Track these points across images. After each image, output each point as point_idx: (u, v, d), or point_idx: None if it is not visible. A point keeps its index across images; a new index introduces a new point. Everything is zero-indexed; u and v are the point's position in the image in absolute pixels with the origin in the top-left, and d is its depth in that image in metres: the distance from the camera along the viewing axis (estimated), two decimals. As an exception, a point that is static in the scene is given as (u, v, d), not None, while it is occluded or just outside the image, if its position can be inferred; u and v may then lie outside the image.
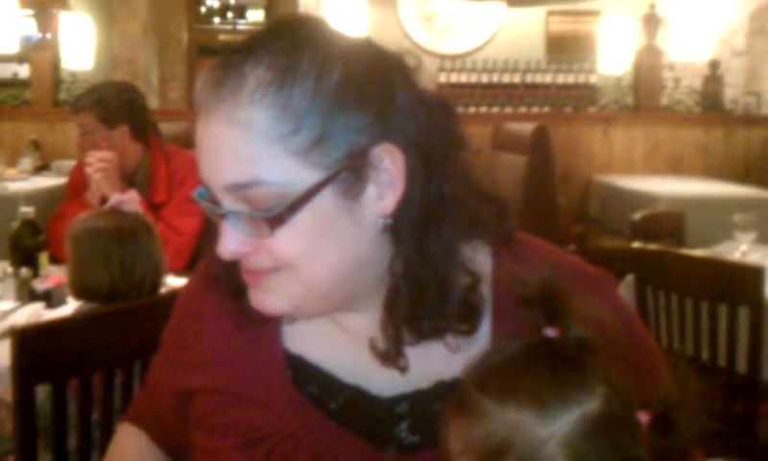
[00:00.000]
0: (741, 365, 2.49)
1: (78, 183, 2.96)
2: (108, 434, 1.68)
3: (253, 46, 0.86)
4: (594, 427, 0.76)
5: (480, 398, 0.79)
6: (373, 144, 0.85)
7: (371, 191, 0.87)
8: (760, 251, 3.12)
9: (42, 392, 1.70)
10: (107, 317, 1.76)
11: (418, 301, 0.90)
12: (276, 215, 0.84)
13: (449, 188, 0.90)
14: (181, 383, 1.06)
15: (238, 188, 0.84)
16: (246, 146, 0.83)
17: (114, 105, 2.91)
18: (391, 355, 0.93)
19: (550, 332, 0.81)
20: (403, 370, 0.94)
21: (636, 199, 4.66)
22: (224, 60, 0.86)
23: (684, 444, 0.80)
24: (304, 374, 0.99)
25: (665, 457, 0.79)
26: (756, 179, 5.49)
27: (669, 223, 3.65)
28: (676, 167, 5.80)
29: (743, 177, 5.62)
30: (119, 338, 1.74)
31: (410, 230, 0.89)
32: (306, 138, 0.83)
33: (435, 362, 0.95)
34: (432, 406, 0.93)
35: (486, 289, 0.98)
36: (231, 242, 0.87)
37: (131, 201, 2.08)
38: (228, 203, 0.86)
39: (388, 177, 0.87)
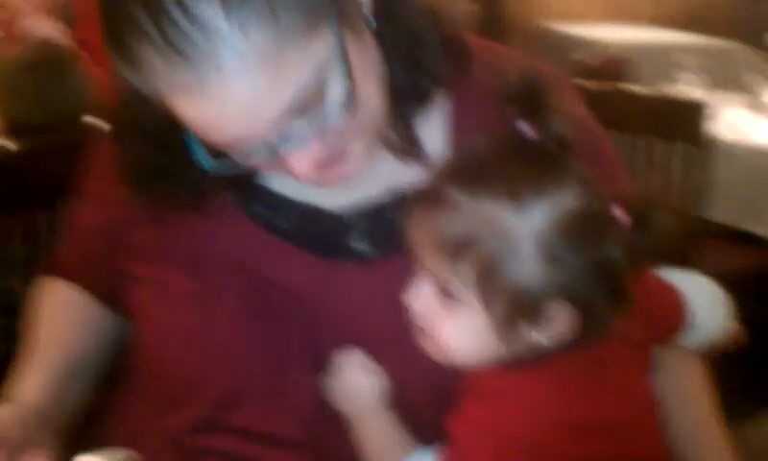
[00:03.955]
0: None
1: None
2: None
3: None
4: (569, 225, 0.74)
5: (451, 189, 0.76)
6: None
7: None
8: (706, 95, 3.13)
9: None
10: (41, 153, 1.66)
11: (413, 71, 0.89)
12: (347, 93, 0.77)
13: None
14: (119, 216, 1.00)
15: (290, 111, 0.75)
16: (272, 70, 0.72)
17: None
18: (409, 147, 0.92)
19: (526, 127, 0.78)
20: (424, 160, 0.92)
21: (583, 45, 4.61)
22: (175, 44, 0.71)
23: (657, 244, 0.79)
24: (248, 193, 0.94)
25: (637, 259, 0.79)
26: (700, 28, 5.47)
27: (615, 67, 3.62)
28: (622, 14, 5.73)
29: (688, 25, 5.58)
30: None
31: (387, 12, 0.86)
32: (296, 11, 0.72)
33: (388, 172, 0.93)
34: (387, 215, 0.92)
35: (442, 98, 0.95)
36: (307, 161, 0.80)
37: (35, 22, 1.92)
38: (283, 133, 0.77)
39: None
